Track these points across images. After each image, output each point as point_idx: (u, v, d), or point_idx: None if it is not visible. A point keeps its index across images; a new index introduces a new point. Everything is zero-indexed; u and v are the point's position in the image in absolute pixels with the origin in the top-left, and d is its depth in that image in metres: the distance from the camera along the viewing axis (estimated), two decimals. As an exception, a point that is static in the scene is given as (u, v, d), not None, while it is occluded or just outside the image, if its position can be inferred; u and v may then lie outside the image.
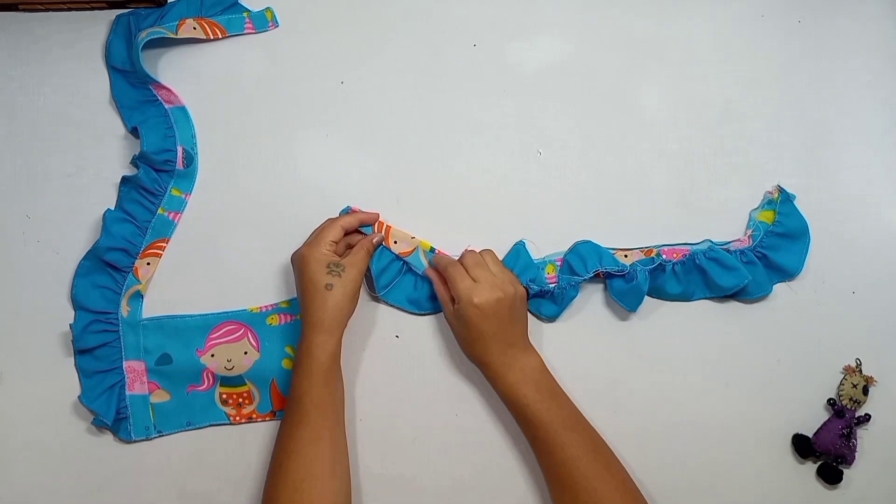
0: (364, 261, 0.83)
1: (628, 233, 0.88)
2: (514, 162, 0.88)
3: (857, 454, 0.84)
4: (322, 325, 0.79)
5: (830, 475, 0.84)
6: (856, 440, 0.84)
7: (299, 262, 0.81)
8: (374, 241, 0.84)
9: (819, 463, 0.85)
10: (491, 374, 0.82)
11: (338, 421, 0.79)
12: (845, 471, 0.84)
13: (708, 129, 0.89)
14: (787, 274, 0.87)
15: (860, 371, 0.86)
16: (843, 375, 0.86)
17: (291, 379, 0.80)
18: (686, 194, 0.89)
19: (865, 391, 0.85)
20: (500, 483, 0.84)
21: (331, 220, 0.84)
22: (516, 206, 0.88)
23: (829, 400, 0.85)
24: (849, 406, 0.85)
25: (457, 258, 0.85)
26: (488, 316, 0.80)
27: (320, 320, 0.79)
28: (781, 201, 0.87)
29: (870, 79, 0.90)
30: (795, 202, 0.87)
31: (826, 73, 0.90)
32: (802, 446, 0.85)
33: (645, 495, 0.79)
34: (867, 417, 0.85)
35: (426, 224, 0.87)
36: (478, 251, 0.85)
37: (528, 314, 0.85)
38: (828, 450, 0.84)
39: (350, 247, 0.84)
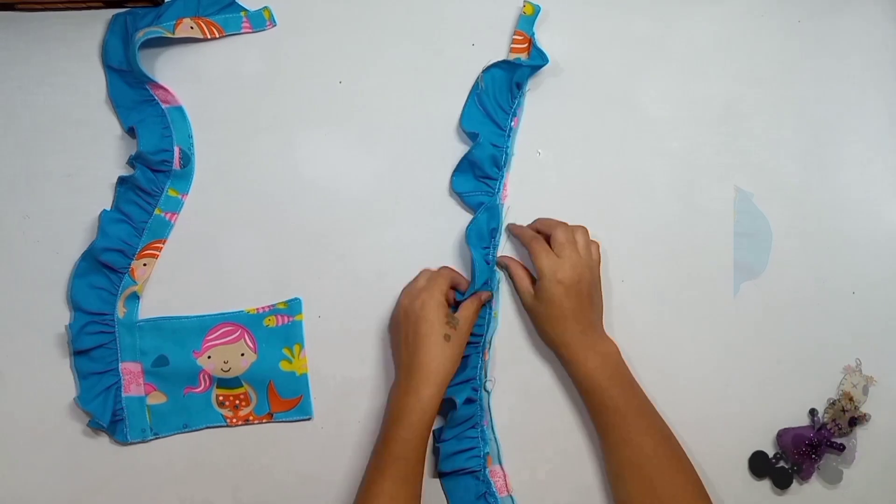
0: (474, 317, 0.82)
1: (628, 232, 0.87)
2: (513, 162, 0.88)
3: (813, 475, 0.84)
4: (436, 377, 0.78)
5: (781, 478, 0.84)
6: (819, 459, 0.83)
7: (417, 303, 0.80)
8: (484, 298, 0.84)
9: (778, 460, 0.85)
10: (570, 356, 0.82)
11: (422, 474, 0.79)
12: (846, 471, 0.84)
13: (708, 128, 0.89)
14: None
15: (860, 371, 0.85)
16: (843, 375, 0.86)
17: (388, 422, 0.79)
18: (686, 193, 0.88)
19: (865, 391, 0.85)
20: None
21: (446, 269, 0.84)
22: (516, 206, 0.88)
23: (811, 409, 0.85)
24: (829, 426, 0.84)
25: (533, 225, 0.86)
26: (571, 293, 0.80)
27: (434, 372, 0.78)
28: (739, 199, 0.87)
29: (870, 78, 0.90)
30: (754, 200, 0.87)
31: (826, 73, 0.90)
32: (760, 463, 0.84)
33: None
34: (841, 447, 0.84)
35: (425, 224, 0.87)
36: (566, 225, 0.84)
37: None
38: (788, 450, 0.83)
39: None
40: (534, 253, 0.82)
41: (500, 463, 0.84)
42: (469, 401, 0.82)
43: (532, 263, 0.83)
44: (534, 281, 0.83)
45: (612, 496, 0.82)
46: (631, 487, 0.79)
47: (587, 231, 0.84)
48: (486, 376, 0.84)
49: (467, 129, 0.87)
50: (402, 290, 0.85)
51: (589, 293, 0.82)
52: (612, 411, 0.80)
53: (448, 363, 0.79)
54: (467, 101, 0.88)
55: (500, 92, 0.87)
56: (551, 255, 0.81)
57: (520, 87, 0.87)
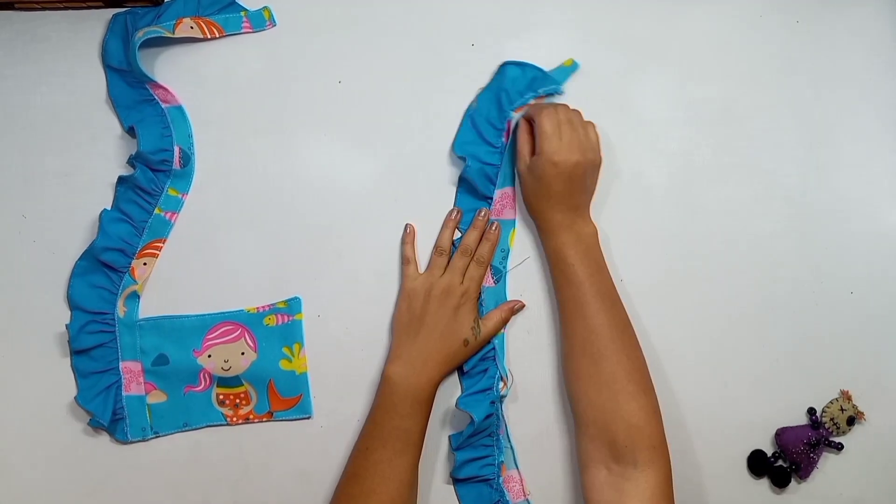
0: (499, 326, 0.84)
1: (626, 232, 0.87)
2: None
3: (812, 471, 0.84)
4: (444, 368, 0.82)
5: (780, 477, 0.84)
6: (818, 458, 0.84)
7: (451, 302, 0.82)
8: (516, 308, 0.86)
9: (776, 458, 0.85)
10: (547, 229, 0.84)
11: (422, 444, 0.81)
12: (845, 470, 0.84)
13: (707, 128, 0.89)
14: None
15: (852, 402, 0.85)
16: (837, 396, 0.85)
17: (387, 394, 0.81)
18: (685, 193, 0.88)
19: (850, 422, 0.84)
20: (499, 484, 0.84)
21: (478, 273, 0.85)
22: (516, 206, 0.88)
23: (809, 409, 0.85)
24: (827, 426, 0.84)
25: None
26: (562, 176, 0.82)
27: (445, 364, 0.82)
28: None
29: (869, 78, 0.90)
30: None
31: (825, 73, 0.90)
32: (758, 462, 0.85)
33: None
34: (839, 445, 0.84)
35: (425, 224, 0.87)
36: (571, 109, 0.85)
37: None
38: (786, 449, 0.83)
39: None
40: (540, 128, 0.83)
41: (516, 467, 0.84)
42: (487, 416, 0.82)
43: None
44: (534, 152, 0.83)
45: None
46: (579, 362, 0.80)
47: (580, 114, 0.85)
48: (502, 383, 0.84)
49: (458, 154, 0.87)
50: (432, 266, 0.85)
51: (582, 177, 0.83)
52: (574, 286, 0.82)
53: (457, 361, 0.83)
54: (461, 124, 0.88)
55: (491, 110, 0.87)
56: (556, 135, 0.82)
57: (511, 100, 0.87)
